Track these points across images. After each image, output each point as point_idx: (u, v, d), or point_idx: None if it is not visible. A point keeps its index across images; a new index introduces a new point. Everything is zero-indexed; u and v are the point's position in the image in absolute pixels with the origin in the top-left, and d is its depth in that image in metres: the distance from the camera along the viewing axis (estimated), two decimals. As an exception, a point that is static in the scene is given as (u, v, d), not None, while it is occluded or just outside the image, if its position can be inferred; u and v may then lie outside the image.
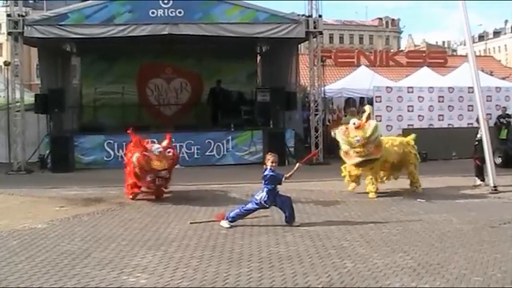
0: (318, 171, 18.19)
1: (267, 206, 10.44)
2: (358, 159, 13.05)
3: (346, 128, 13.28)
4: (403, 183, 15.00)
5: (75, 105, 24.44)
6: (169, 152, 12.92)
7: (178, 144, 19.53)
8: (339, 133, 13.40)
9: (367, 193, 13.58)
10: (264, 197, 10.28)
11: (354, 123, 13.12)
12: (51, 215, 11.45)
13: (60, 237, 9.53)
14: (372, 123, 13.16)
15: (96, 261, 7.99)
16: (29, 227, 10.33)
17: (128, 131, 12.97)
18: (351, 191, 14.11)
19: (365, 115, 13.22)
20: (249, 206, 10.47)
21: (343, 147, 13.25)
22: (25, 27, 18.63)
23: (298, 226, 10.23)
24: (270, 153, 11.01)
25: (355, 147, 12.90)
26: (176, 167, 18.58)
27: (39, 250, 8.63)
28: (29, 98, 20.58)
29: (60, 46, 22.79)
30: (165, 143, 13.19)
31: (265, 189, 10.33)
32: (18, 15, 18.89)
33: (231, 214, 10.35)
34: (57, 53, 22.85)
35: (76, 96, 25.09)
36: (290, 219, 10.39)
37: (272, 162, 10.49)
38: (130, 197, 13.14)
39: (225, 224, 10.20)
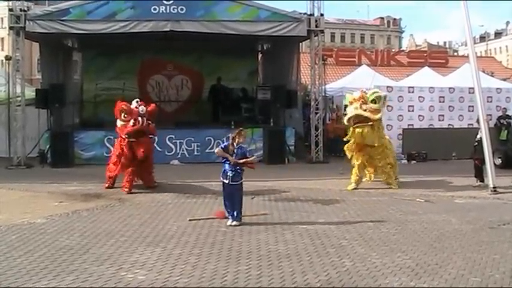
0: (317, 169, 18.21)
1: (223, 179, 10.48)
2: (354, 112, 14.07)
3: (355, 99, 14.34)
4: (401, 182, 15.04)
5: (76, 100, 24.38)
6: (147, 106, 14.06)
7: (178, 141, 19.59)
8: (347, 99, 14.81)
9: (367, 192, 13.63)
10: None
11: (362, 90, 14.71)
12: (51, 210, 11.46)
13: (59, 232, 9.54)
14: (374, 89, 14.87)
15: (95, 256, 8.00)
16: (28, 221, 10.35)
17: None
18: (349, 191, 14.14)
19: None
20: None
21: (348, 110, 14.52)
22: (27, 22, 18.62)
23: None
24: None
25: (354, 102, 14.15)
26: (175, 163, 18.82)
27: (38, 245, 8.64)
28: (30, 92, 20.55)
29: (61, 41, 22.70)
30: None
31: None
32: (20, 9, 18.86)
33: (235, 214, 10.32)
34: (59, 48, 22.79)
35: (77, 92, 25.03)
36: (236, 216, 10.35)
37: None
38: (106, 185, 14.20)
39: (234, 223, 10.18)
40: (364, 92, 14.50)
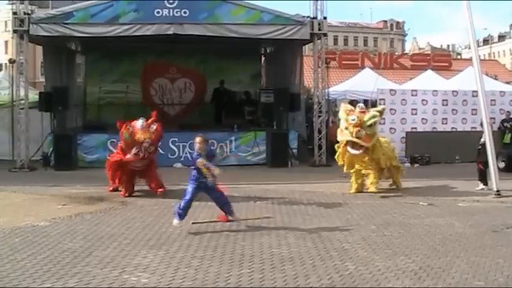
0: (320, 172, 18.21)
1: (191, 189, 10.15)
2: (347, 138, 13.88)
3: (352, 110, 14.15)
4: (404, 185, 15.03)
5: (79, 103, 24.47)
6: (152, 127, 13.39)
7: (181, 144, 19.57)
8: (343, 109, 14.45)
9: (370, 195, 13.62)
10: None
11: (361, 107, 14.30)
12: (54, 212, 11.47)
13: (62, 235, 9.54)
14: (373, 112, 14.15)
15: (98, 259, 8.00)
16: (31, 224, 10.35)
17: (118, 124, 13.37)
18: (352, 194, 14.13)
19: (379, 107, 14.82)
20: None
21: (342, 123, 14.25)
22: (30, 25, 18.68)
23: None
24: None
25: (349, 126, 13.79)
26: (178, 166, 18.81)
27: (41, 248, 8.65)
28: (33, 95, 20.61)
29: (65, 44, 22.76)
30: (150, 120, 13.61)
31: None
32: (24, 13, 18.92)
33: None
34: (62, 51, 22.86)
35: (80, 95, 25.11)
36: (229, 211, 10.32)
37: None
38: (111, 188, 13.97)
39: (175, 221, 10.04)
40: (362, 110, 14.13)
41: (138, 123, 13.23)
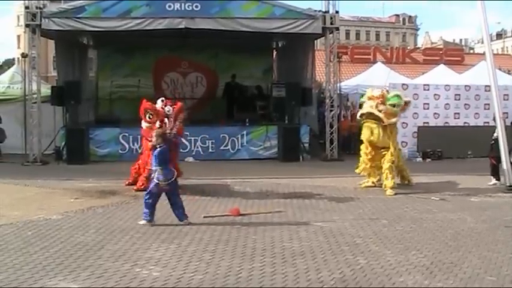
0: (332, 167, 18.18)
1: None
2: (367, 110, 13.90)
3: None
4: (416, 180, 14.98)
5: (91, 97, 24.55)
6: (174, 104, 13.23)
7: (193, 138, 19.61)
8: (369, 91, 14.42)
9: (382, 190, 13.58)
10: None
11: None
12: (66, 206, 11.53)
13: (75, 228, 9.60)
14: (397, 92, 14.73)
15: (110, 253, 8.04)
16: (43, 218, 10.41)
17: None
18: (363, 188, 14.10)
19: (406, 98, 14.70)
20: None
21: (364, 105, 14.26)
22: (42, 20, 18.72)
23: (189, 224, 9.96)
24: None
25: (372, 98, 13.93)
26: (190, 160, 18.85)
27: (53, 241, 8.70)
28: (46, 90, 20.69)
29: (77, 39, 22.88)
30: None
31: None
32: (36, 7, 18.98)
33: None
34: (74, 46, 22.95)
35: (92, 89, 25.20)
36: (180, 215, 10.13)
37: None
38: (127, 182, 13.99)
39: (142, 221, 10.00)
40: (387, 90, 14.32)
41: (158, 100, 13.13)
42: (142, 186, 13.23)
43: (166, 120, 12.62)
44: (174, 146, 13.22)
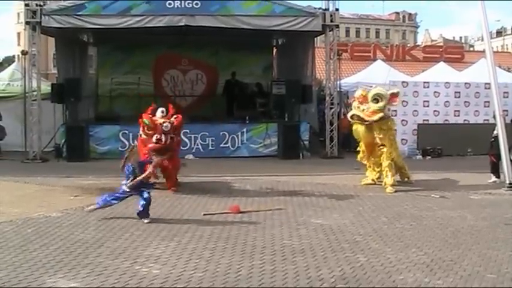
0: (332, 164, 18.19)
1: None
2: (352, 112, 13.98)
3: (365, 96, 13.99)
4: (416, 177, 14.97)
5: (91, 95, 24.53)
6: (175, 117, 13.19)
7: (193, 136, 19.62)
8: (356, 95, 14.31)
9: (382, 187, 13.57)
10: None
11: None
12: (66, 203, 11.53)
13: (74, 226, 9.60)
14: (378, 88, 14.34)
15: (110, 250, 8.05)
16: (43, 215, 10.42)
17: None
18: (363, 186, 14.10)
19: (394, 90, 14.52)
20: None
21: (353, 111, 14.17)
22: (43, 17, 18.70)
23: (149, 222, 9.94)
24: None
25: (355, 101, 14.00)
26: (190, 158, 18.85)
27: (53, 238, 8.70)
28: (46, 87, 20.68)
29: (77, 36, 22.85)
30: (169, 113, 13.36)
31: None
32: (36, 4, 18.94)
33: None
34: (74, 43, 22.92)
35: (92, 86, 25.17)
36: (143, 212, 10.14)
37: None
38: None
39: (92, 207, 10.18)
40: (367, 90, 14.22)
41: (159, 111, 13.09)
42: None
43: (163, 136, 12.57)
44: (173, 159, 13.28)
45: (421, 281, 6.86)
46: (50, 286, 6.59)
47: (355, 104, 13.99)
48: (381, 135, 13.81)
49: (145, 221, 9.94)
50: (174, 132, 13.01)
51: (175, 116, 13.27)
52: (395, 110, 20.81)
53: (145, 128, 12.78)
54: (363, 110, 13.69)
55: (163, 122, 12.66)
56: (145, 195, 10.11)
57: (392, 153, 13.98)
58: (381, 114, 13.56)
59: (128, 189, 10.21)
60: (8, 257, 7.64)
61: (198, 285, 6.67)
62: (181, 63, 26.08)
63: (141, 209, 10.05)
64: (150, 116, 12.83)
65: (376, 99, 13.63)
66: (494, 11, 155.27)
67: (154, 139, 12.54)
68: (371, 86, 27.48)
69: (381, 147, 13.97)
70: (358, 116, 13.75)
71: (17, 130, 20.46)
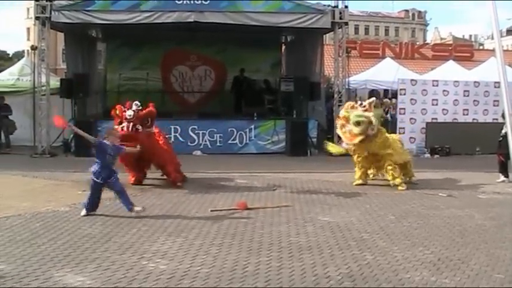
0: (339, 162, 18.10)
1: (98, 180, 10.19)
2: (339, 132, 13.76)
3: (353, 106, 13.64)
4: (424, 176, 14.94)
5: (100, 90, 24.62)
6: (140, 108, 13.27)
7: (201, 132, 19.66)
8: (346, 106, 13.94)
9: (389, 185, 13.53)
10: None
11: (363, 105, 13.52)
12: (74, 198, 11.56)
13: (82, 220, 9.63)
14: (358, 111, 13.31)
15: (117, 245, 8.07)
16: (51, 209, 10.47)
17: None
18: (355, 185, 13.92)
19: (369, 100, 13.77)
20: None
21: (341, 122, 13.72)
22: (52, 12, 18.79)
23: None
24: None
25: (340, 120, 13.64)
26: (198, 154, 18.90)
27: (61, 233, 8.74)
28: (55, 82, 20.74)
29: (86, 31, 22.93)
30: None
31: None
32: (46, 0, 19.01)
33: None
34: (83, 38, 23.00)
35: (100, 82, 25.26)
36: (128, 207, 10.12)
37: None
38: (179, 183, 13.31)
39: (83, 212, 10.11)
40: (349, 111, 13.48)
41: (133, 104, 13.18)
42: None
43: (125, 124, 12.69)
44: (158, 151, 13.31)
45: (427, 279, 6.84)
46: (58, 280, 6.61)
47: (339, 122, 13.66)
48: (377, 150, 13.67)
49: (137, 208, 10.00)
50: (142, 123, 13.02)
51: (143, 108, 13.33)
52: (403, 108, 20.85)
53: (115, 118, 13.18)
54: (345, 132, 13.49)
55: (127, 111, 12.87)
56: (117, 188, 10.21)
57: (393, 156, 13.82)
58: (361, 137, 13.18)
59: (95, 178, 10.19)
60: (16, 251, 7.67)
61: (205, 281, 6.68)
62: (190, 59, 26.11)
63: (123, 203, 10.12)
64: (120, 106, 13.11)
65: (358, 122, 13.10)
66: (505, 9, 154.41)
67: (120, 127, 12.74)
68: (380, 85, 27.79)
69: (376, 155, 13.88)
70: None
71: (26, 125, 20.57)
